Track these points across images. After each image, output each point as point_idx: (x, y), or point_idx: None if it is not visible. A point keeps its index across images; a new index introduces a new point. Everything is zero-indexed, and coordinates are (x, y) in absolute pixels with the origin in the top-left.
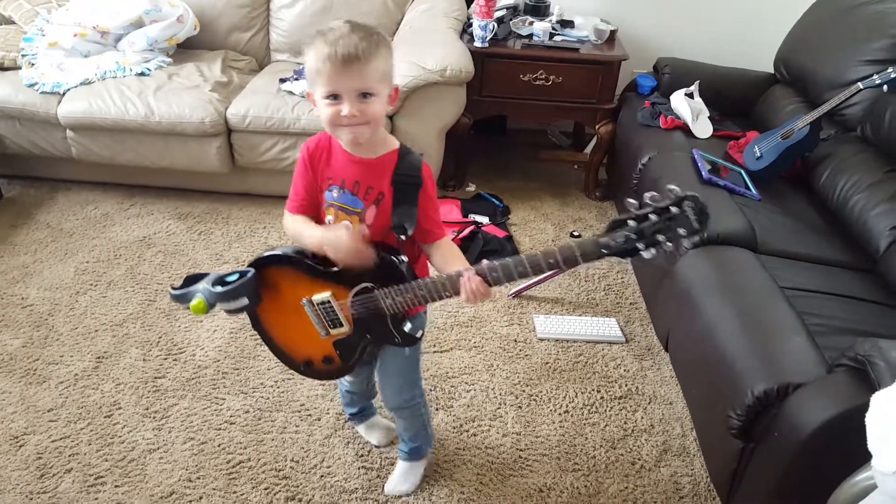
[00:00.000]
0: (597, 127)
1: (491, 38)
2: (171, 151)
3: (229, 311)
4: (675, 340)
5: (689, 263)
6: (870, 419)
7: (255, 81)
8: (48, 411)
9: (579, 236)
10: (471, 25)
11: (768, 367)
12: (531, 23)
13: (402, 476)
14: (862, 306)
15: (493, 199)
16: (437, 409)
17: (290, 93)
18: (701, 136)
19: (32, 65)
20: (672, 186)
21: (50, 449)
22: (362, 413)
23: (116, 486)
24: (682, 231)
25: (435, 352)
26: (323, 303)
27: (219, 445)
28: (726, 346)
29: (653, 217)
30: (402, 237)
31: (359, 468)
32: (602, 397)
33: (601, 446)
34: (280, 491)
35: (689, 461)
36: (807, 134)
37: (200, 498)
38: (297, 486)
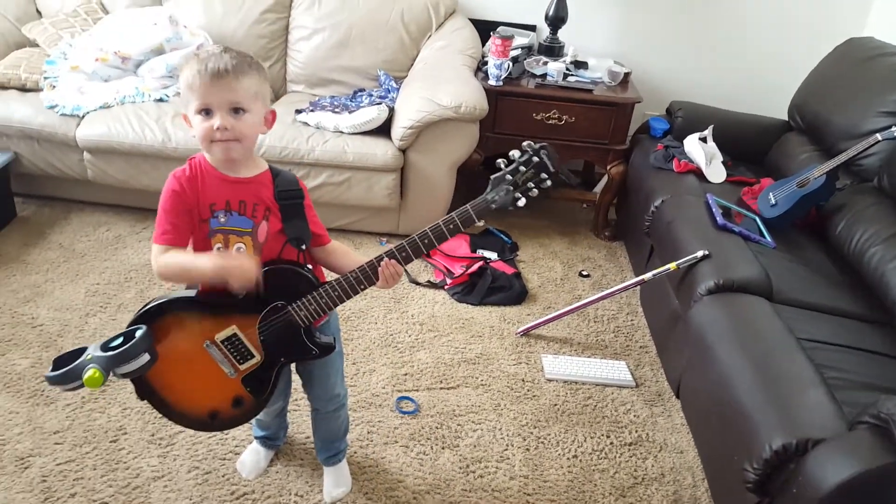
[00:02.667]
0: (608, 167)
1: (505, 77)
2: None
3: (128, 375)
4: (688, 388)
5: (704, 310)
6: None
7: None
8: (54, 433)
9: (588, 276)
10: (486, 63)
11: (786, 421)
12: (545, 63)
13: (336, 480)
14: (880, 361)
15: (502, 235)
16: (443, 448)
17: (306, 124)
18: (714, 180)
19: (54, 87)
20: (526, 142)
21: (55, 472)
22: (269, 440)
23: None
24: (543, 175)
25: (441, 388)
26: (229, 338)
27: (223, 476)
28: (742, 397)
29: (522, 168)
30: (302, 248)
31: None
32: (612, 443)
33: (611, 494)
34: None
35: None
36: (823, 183)
37: None
38: None
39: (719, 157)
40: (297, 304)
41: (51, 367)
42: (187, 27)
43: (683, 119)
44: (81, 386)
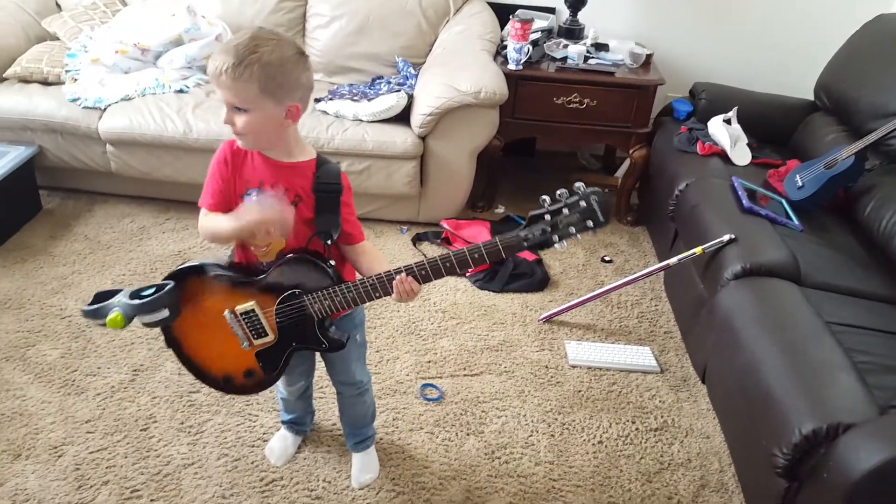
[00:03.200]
0: (630, 151)
1: (525, 61)
2: (208, 168)
3: (148, 324)
4: (714, 373)
5: (731, 295)
6: None
7: None
8: (86, 422)
9: (611, 261)
10: (505, 48)
11: (816, 406)
12: (566, 46)
13: (364, 466)
14: None
15: (522, 222)
16: (468, 434)
17: (325, 112)
18: (739, 163)
19: (75, 80)
20: (578, 184)
21: (88, 460)
22: (296, 424)
23: (152, 501)
24: (589, 223)
25: (465, 375)
26: (247, 313)
27: (252, 462)
28: (770, 382)
29: (565, 212)
30: (328, 242)
31: (388, 491)
32: (637, 429)
33: (637, 479)
34: None
35: (727, 498)
36: (852, 164)
37: None
38: None
39: (744, 139)
40: (312, 295)
41: (90, 301)
42: (205, 17)
43: (707, 101)
44: (105, 325)
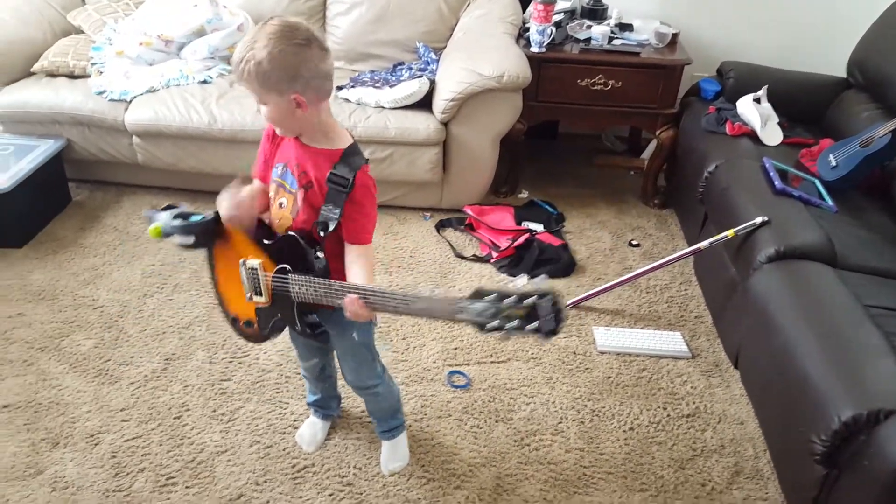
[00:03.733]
0: (657, 132)
1: (548, 43)
2: (233, 158)
3: (179, 245)
4: (748, 358)
5: (764, 278)
6: None
7: None
8: (121, 411)
9: (638, 245)
10: (527, 30)
11: (855, 392)
12: (589, 27)
13: (391, 454)
14: None
15: (547, 206)
16: (496, 421)
17: (347, 100)
18: (770, 143)
19: (101, 73)
20: (539, 282)
21: (123, 448)
22: (321, 408)
23: (187, 487)
24: (533, 325)
25: (492, 362)
26: (252, 268)
27: (284, 449)
28: (807, 368)
29: (509, 300)
30: (322, 233)
31: (419, 478)
32: (668, 415)
33: (669, 466)
34: (344, 498)
35: (762, 484)
36: (888, 142)
37: (267, 502)
38: (361, 494)
39: (775, 119)
40: (294, 277)
41: (162, 208)
42: (227, 7)
43: (735, 80)
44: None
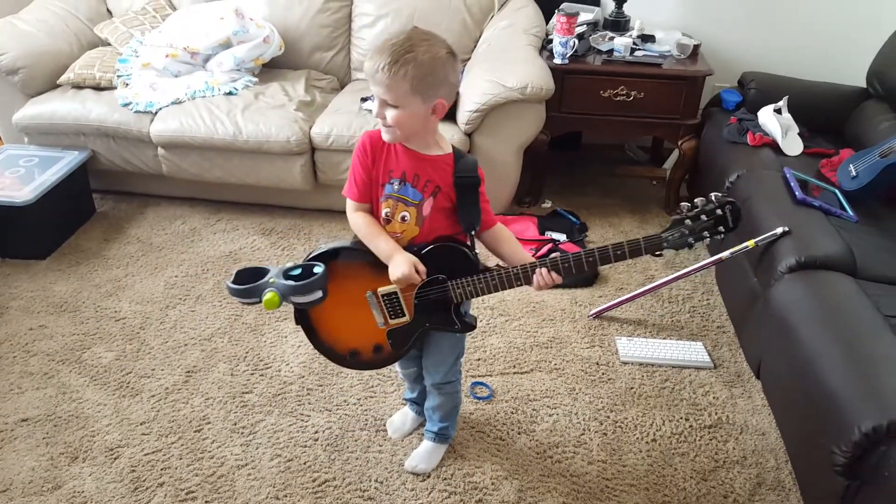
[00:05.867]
0: (679, 143)
1: (571, 55)
2: (257, 169)
3: (299, 306)
4: (769, 369)
5: (785, 288)
6: None
7: (337, 100)
8: (141, 424)
9: (660, 255)
10: (550, 42)
11: (876, 402)
12: (611, 38)
13: (426, 455)
14: None
15: (570, 216)
16: (519, 433)
17: (371, 111)
18: (791, 153)
19: (127, 85)
20: (716, 193)
21: (143, 462)
22: (417, 405)
23: (207, 502)
24: (721, 228)
25: (515, 373)
26: (389, 294)
27: (304, 463)
28: (828, 378)
29: (703, 217)
30: (472, 232)
31: (441, 491)
32: (691, 426)
33: (691, 478)
34: None
35: (784, 496)
36: None
37: None
38: None
39: (795, 129)
40: (456, 281)
41: (232, 279)
42: (253, 20)
43: (756, 90)
44: (258, 302)
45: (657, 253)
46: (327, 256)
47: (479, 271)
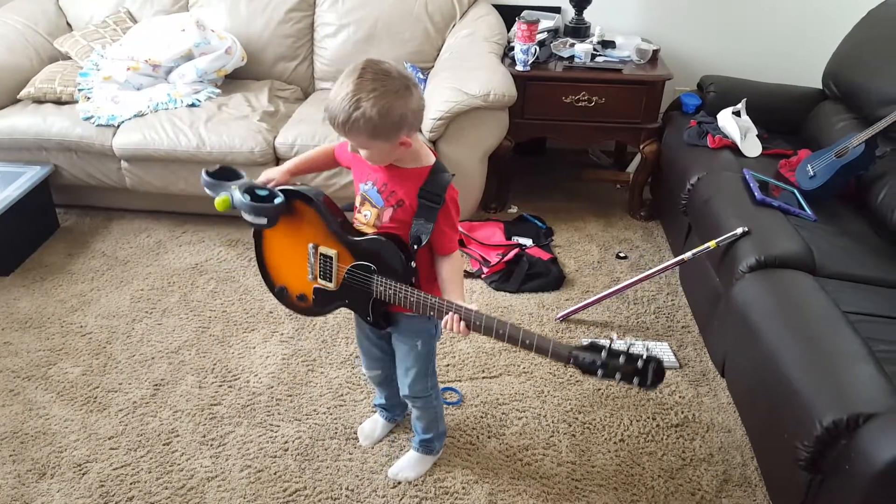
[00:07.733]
0: (641, 146)
1: (532, 62)
2: None
3: (246, 219)
4: (733, 367)
5: (746, 287)
6: None
7: (301, 110)
8: (109, 439)
9: (626, 257)
10: (512, 49)
11: (836, 397)
12: (572, 45)
13: (410, 463)
14: None
15: (536, 221)
16: (489, 437)
17: None
18: (750, 154)
19: (88, 98)
20: (644, 346)
21: (112, 477)
22: (386, 410)
23: None
24: (635, 381)
25: (484, 378)
26: (326, 256)
27: (275, 473)
28: (789, 374)
29: (621, 360)
30: (415, 246)
31: (412, 497)
32: (658, 425)
33: (660, 476)
34: None
35: (751, 492)
36: (862, 152)
37: None
38: None
39: (754, 131)
40: (381, 277)
41: (206, 172)
42: (214, 31)
43: (715, 93)
44: (214, 197)
45: (620, 255)
46: (298, 195)
47: (404, 282)
